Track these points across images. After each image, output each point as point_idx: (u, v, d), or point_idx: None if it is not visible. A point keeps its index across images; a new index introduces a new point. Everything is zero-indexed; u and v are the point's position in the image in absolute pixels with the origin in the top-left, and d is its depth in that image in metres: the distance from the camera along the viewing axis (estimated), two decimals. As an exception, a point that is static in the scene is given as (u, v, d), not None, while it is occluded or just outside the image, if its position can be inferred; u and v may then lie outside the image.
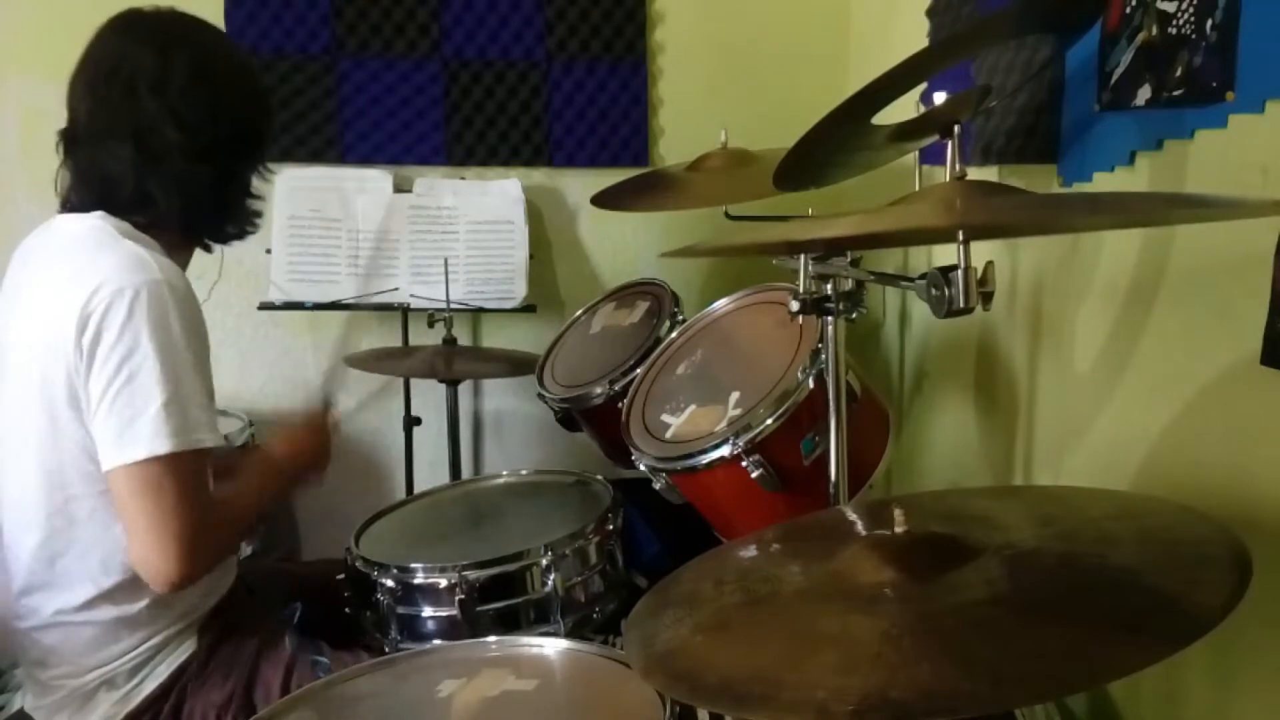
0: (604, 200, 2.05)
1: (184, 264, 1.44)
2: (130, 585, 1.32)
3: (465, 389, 2.51)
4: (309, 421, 1.66)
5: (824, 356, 1.34)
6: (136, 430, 1.23)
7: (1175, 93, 1.16)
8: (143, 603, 1.33)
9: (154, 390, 1.24)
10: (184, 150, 1.33)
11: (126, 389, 1.24)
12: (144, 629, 1.35)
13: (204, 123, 1.34)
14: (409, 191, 2.42)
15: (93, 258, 1.28)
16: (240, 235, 1.50)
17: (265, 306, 2.35)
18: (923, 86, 1.38)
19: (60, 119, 1.38)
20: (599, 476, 1.76)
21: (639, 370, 1.74)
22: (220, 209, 1.44)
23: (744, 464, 1.41)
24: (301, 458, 1.58)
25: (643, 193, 2.07)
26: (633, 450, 1.57)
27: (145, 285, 1.25)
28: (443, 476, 2.32)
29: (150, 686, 1.35)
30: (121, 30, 1.35)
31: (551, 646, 1.21)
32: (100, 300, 1.24)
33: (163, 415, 1.24)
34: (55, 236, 1.36)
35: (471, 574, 1.43)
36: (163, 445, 1.23)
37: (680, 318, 1.85)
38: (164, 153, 1.33)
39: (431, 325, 2.22)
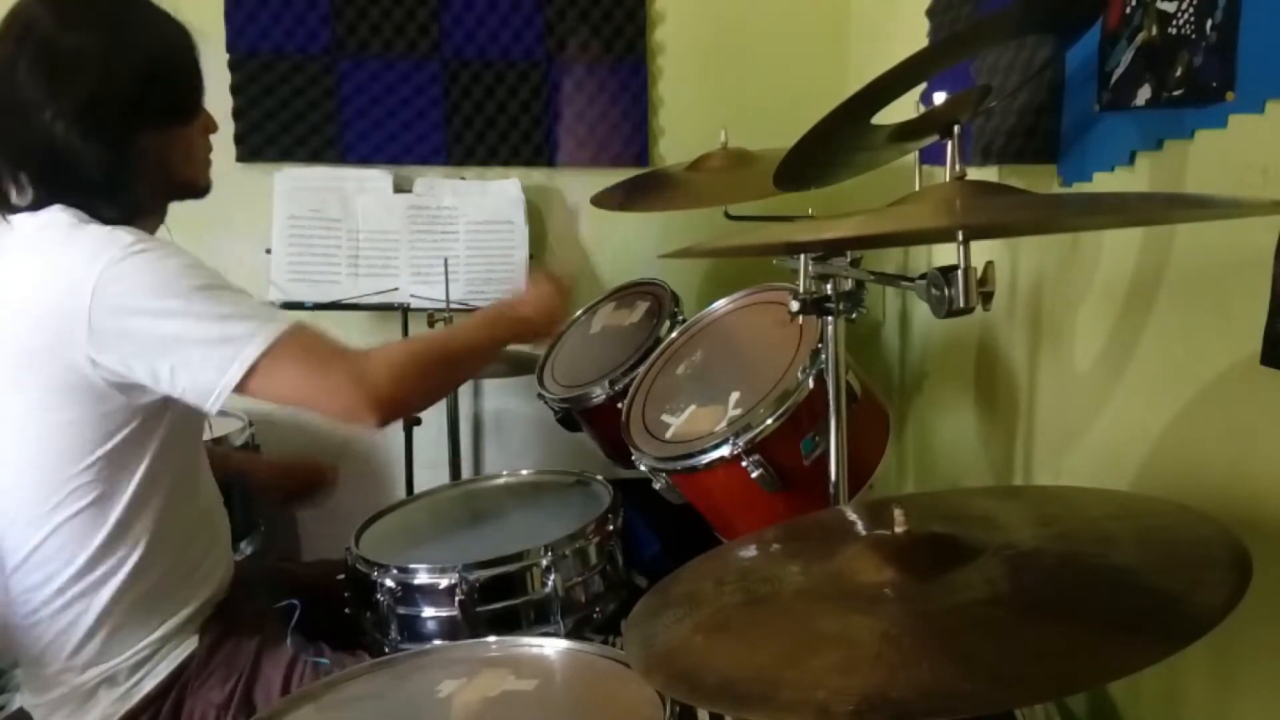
0: (603, 200, 2.05)
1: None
2: (127, 579, 1.32)
3: (465, 389, 2.51)
4: (553, 280, 1.60)
5: (824, 356, 1.34)
6: (220, 359, 1.22)
7: (1175, 93, 1.16)
8: (135, 595, 1.33)
9: (205, 328, 1.23)
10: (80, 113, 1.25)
11: (184, 348, 1.22)
12: (144, 626, 1.35)
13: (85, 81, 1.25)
14: (409, 191, 2.42)
15: (60, 253, 1.25)
16: (179, 193, 1.43)
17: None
18: (923, 86, 1.38)
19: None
20: (599, 476, 1.76)
21: (639, 370, 1.74)
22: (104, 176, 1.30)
23: (744, 464, 1.41)
24: (542, 305, 1.55)
25: (643, 193, 2.07)
26: (633, 450, 1.57)
27: (123, 257, 1.22)
28: (443, 476, 2.32)
29: (150, 685, 1.35)
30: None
31: (551, 646, 1.21)
32: (84, 292, 1.20)
33: (226, 337, 1.23)
34: (16, 237, 1.32)
35: (472, 574, 1.43)
36: (253, 351, 1.23)
37: (680, 318, 1.85)
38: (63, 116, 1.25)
39: (431, 325, 2.22)
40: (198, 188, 1.45)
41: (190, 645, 1.38)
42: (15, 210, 1.32)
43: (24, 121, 1.25)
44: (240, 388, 1.24)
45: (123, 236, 1.25)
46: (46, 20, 1.25)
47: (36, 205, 1.31)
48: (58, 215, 1.30)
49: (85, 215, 1.30)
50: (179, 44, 1.35)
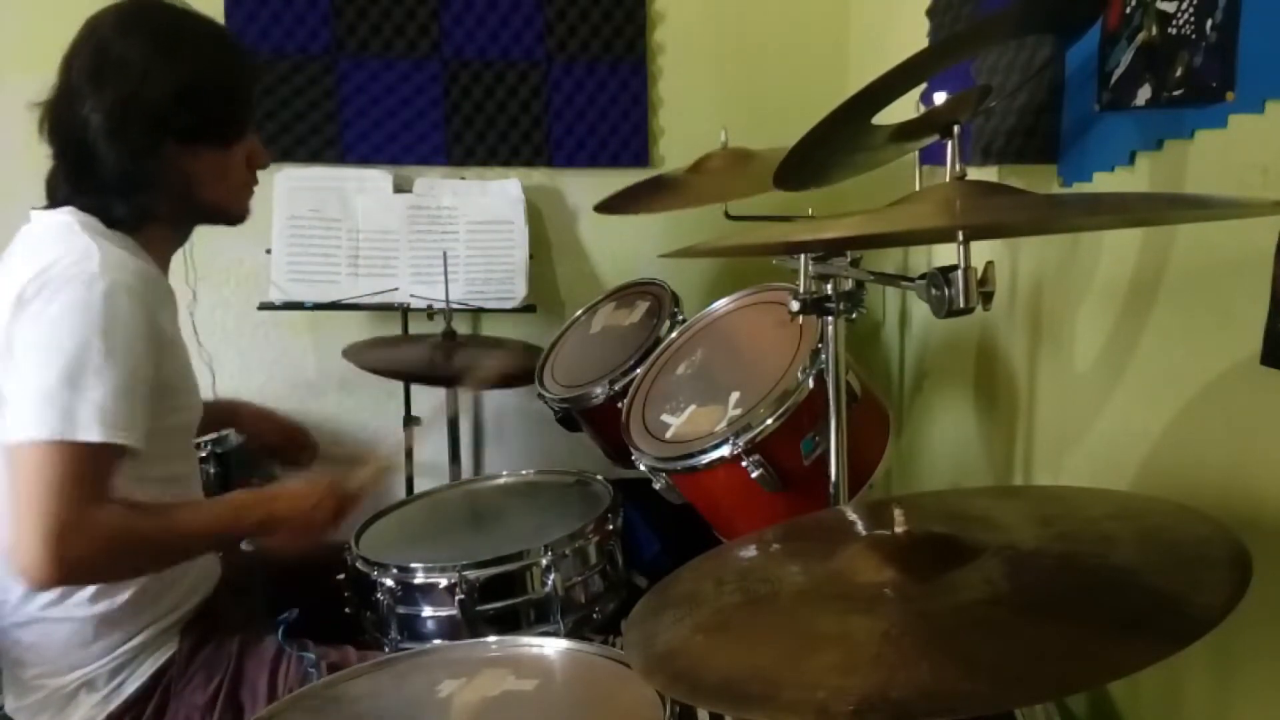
0: (607, 208, 2.05)
1: (166, 254, 1.44)
2: (104, 587, 1.31)
3: (465, 389, 2.51)
4: (332, 487, 1.43)
5: (824, 356, 1.34)
6: (19, 410, 1.20)
7: (1175, 93, 1.16)
8: (120, 601, 1.32)
9: (46, 375, 1.20)
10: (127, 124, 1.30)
11: (21, 366, 1.21)
12: (123, 628, 1.34)
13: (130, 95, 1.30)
14: (409, 191, 2.42)
15: (41, 250, 1.28)
16: (212, 217, 1.45)
17: (265, 306, 2.35)
18: (923, 86, 1.38)
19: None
20: (599, 476, 1.76)
21: (639, 370, 1.74)
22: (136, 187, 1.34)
23: (744, 464, 1.41)
24: (300, 519, 1.38)
25: (644, 198, 2.07)
26: (633, 450, 1.57)
27: (77, 276, 1.23)
28: (443, 476, 2.32)
29: (131, 688, 1.34)
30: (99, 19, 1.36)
31: (551, 646, 1.21)
32: (30, 289, 1.24)
33: (48, 401, 1.19)
34: (29, 230, 1.36)
35: (471, 574, 1.43)
36: (40, 432, 1.18)
37: (680, 318, 1.85)
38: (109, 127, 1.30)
39: (431, 318, 2.22)
40: (228, 214, 1.47)
41: (171, 648, 1.37)
42: (52, 204, 1.36)
43: (70, 108, 1.32)
44: (9, 448, 1.21)
45: (92, 256, 1.26)
46: (109, 26, 1.33)
47: (61, 202, 1.35)
48: (64, 217, 1.33)
49: (93, 220, 1.33)
50: (226, 72, 1.39)
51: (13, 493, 1.21)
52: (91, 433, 1.20)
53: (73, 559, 1.19)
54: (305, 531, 1.38)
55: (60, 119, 1.33)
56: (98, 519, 1.21)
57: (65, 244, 1.28)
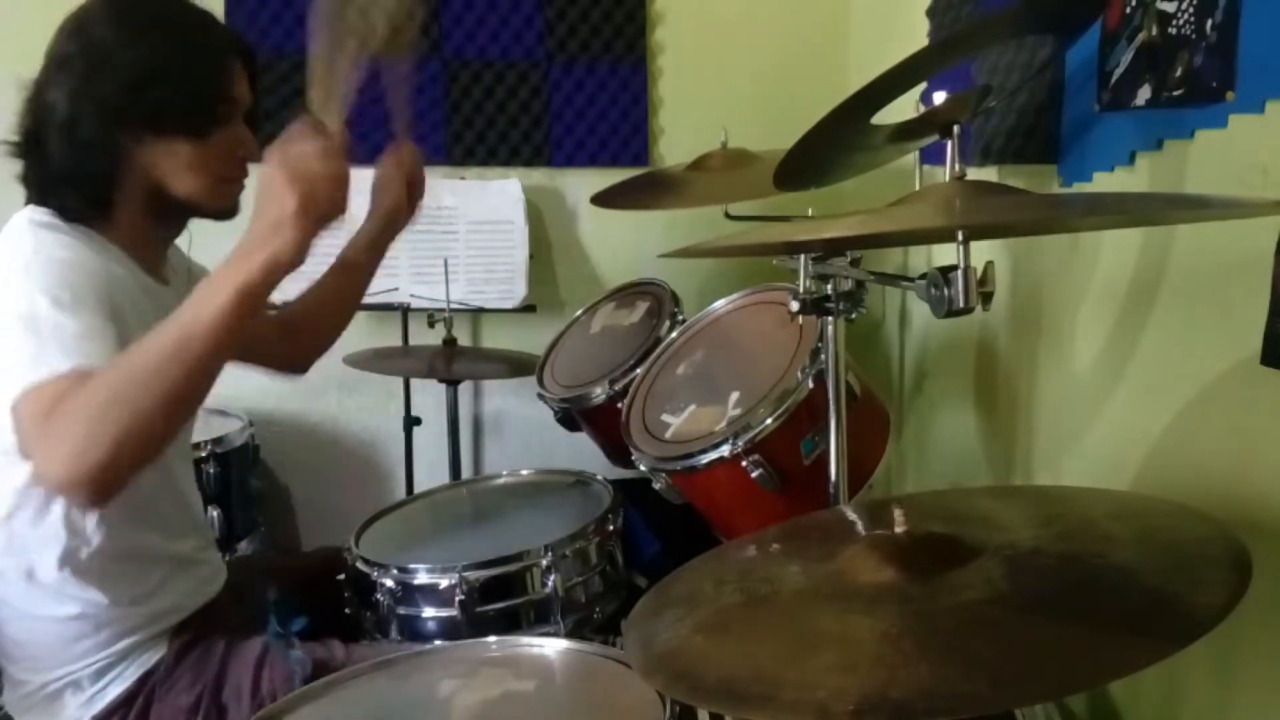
0: (604, 200, 2.05)
1: (150, 251, 1.37)
2: (84, 583, 1.29)
3: (465, 389, 2.51)
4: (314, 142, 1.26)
5: (824, 356, 1.34)
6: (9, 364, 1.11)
7: (1175, 93, 1.16)
8: (105, 602, 1.30)
9: (7, 340, 1.12)
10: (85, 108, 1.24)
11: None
12: (110, 629, 1.32)
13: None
14: (409, 191, 2.42)
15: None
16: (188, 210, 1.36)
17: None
18: (923, 86, 1.38)
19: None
20: (599, 476, 1.76)
21: (639, 370, 1.74)
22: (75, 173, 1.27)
23: (744, 464, 1.41)
24: (289, 226, 1.18)
25: (643, 192, 2.07)
26: (633, 450, 1.57)
27: (11, 255, 1.19)
28: (443, 476, 2.32)
29: (116, 690, 1.32)
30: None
31: (551, 646, 1.21)
32: None
33: (16, 359, 1.10)
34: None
35: (472, 574, 1.43)
36: (26, 378, 1.08)
37: (680, 318, 1.85)
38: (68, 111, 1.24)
39: (432, 325, 2.22)
40: (206, 211, 1.37)
41: (159, 651, 1.35)
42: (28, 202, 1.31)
43: (39, 91, 1.27)
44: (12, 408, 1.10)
45: (23, 244, 1.21)
46: (95, 9, 1.27)
47: (29, 198, 1.30)
48: (27, 213, 1.28)
49: (49, 216, 1.27)
50: (194, 60, 1.29)
51: (25, 447, 1.11)
52: (60, 365, 1.09)
53: (62, 468, 1.04)
54: (317, 220, 1.22)
55: (29, 107, 1.27)
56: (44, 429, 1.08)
57: (10, 244, 1.23)
